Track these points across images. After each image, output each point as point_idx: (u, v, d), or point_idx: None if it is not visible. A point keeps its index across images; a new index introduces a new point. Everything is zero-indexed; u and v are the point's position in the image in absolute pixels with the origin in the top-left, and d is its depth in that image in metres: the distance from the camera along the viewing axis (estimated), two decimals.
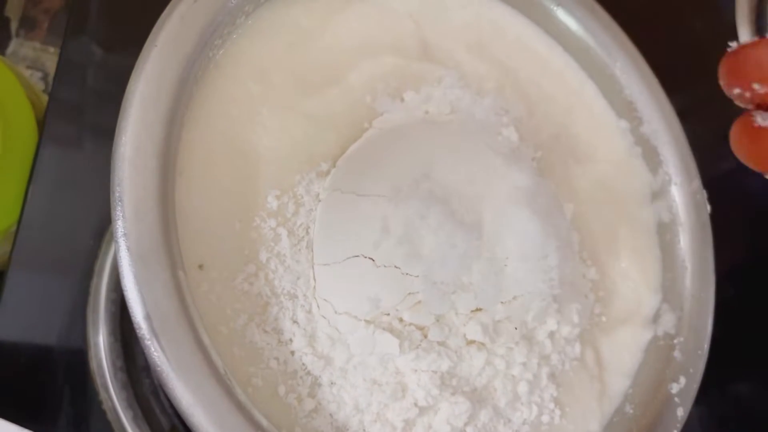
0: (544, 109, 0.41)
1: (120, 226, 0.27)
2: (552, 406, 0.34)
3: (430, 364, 0.31)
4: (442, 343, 0.32)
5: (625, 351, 0.38)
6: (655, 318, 0.39)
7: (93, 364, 0.45)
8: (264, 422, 0.28)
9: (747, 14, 0.60)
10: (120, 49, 0.50)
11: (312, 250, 0.33)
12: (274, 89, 0.35)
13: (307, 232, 0.33)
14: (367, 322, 0.31)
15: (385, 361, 0.31)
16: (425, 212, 0.32)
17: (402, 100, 0.37)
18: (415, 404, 0.31)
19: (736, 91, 0.27)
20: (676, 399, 0.36)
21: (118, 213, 0.27)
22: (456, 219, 0.32)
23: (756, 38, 0.26)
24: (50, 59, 0.67)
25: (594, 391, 0.36)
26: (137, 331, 0.27)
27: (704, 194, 0.40)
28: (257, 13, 0.36)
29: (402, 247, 0.31)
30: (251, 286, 0.31)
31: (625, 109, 0.42)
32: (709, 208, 0.40)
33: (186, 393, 0.26)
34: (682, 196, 0.40)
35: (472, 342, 0.32)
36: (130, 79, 0.30)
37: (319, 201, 0.34)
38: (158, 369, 0.27)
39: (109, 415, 0.44)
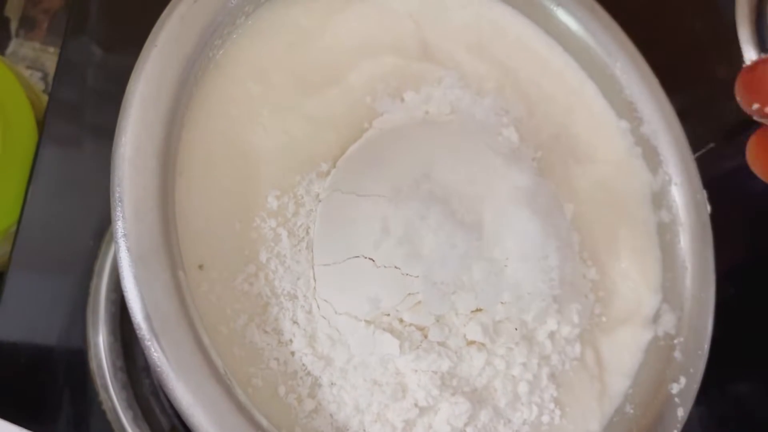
0: (544, 109, 0.41)
1: (120, 226, 0.27)
2: (552, 406, 0.34)
3: (431, 365, 0.31)
4: (442, 344, 0.32)
5: (625, 351, 0.38)
6: (656, 318, 0.39)
7: (93, 365, 0.45)
8: (264, 422, 0.28)
9: (747, 14, 0.60)
10: (120, 49, 0.50)
11: (312, 251, 0.33)
12: (274, 89, 0.35)
13: (308, 233, 0.33)
14: (368, 322, 0.31)
15: (385, 362, 0.31)
16: (425, 212, 0.32)
17: (402, 100, 0.37)
18: (416, 404, 0.31)
19: (755, 106, 0.27)
20: (677, 399, 0.36)
21: (117, 213, 0.27)
22: (456, 219, 0.32)
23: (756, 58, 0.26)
24: (50, 59, 0.67)
25: (594, 391, 0.36)
26: (137, 331, 0.27)
27: (704, 194, 0.40)
28: (257, 13, 0.36)
29: (402, 248, 0.31)
30: (251, 287, 0.31)
31: (625, 109, 0.42)
32: (709, 208, 0.40)
33: (186, 393, 0.26)
34: (683, 196, 0.40)
35: (472, 342, 0.32)
36: (130, 80, 0.30)
37: (320, 201, 0.33)
38: (158, 369, 0.27)
39: (109, 416, 0.44)
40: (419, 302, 0.31)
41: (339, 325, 0.31)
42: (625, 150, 0.42)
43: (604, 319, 0.38)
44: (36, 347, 0.44)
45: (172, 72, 0.30)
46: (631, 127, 0.42)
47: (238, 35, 0.35)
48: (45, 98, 0.54)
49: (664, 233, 0.40)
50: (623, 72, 0.42)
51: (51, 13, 0.68)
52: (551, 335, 0.34)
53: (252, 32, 0.35)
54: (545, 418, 0.34)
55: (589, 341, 0.37)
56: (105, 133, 0.44)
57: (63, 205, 0.47)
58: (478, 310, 0.32)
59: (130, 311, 0.27)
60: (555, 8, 0.42)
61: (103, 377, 0.44)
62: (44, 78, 0.67)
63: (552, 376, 0.34)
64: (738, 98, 0.27)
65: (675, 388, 0.36)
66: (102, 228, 0.47)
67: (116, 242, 0.27)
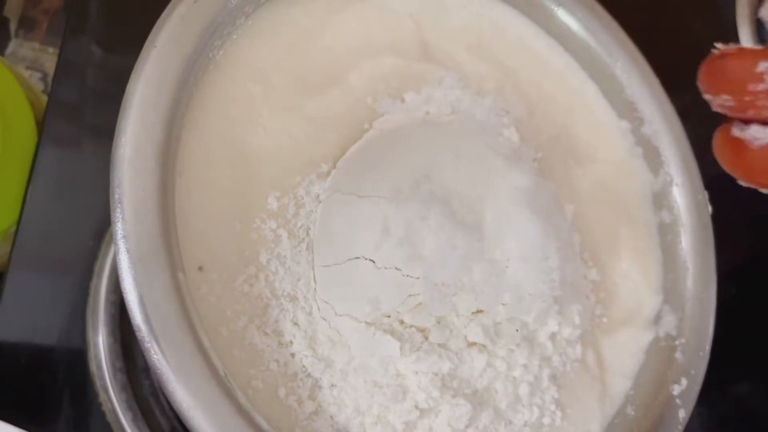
0: (545, 110, 0.41)
1: (119, 228, 0.27)
2: (553, 407, 0.34)
3: (431, 366, 0.31)
4: (442, 345, 0.32)
5: (626, 352, 0.38)
6: (657, 319, 0.39)
7: (93, 365, 0.44)
8: (264, 424, 0.28)
9: (747, 14, 0.60)
10: (120, 49, 0.50)
11: (312, 252, 0.33)
12: (274, 90, 0.35)
13: (308, 234, 0.33)
14: (368, 324, 0.31)
15: (385, 363, 0.31)
16: (426, 213, 0.31)
17: (402, 100, 0.37)
18: (416, 406, 0.31)
19: (707, 97, 0.27)
20: (678, 400, 0.36)
21: (117, 215, 0.27)
22: (457, 220, 0.32)
23: (733, 46, 0.26)
24: (49, 59, 0.67)
25: (595, 392, 0.36)
26: (137, 333, 0.27)
27: (706, 195, 0.40)
28: (257, 13, 0.36)
29: (402, 249, 0.31)
30: (251, 288, 0.31)
31: (626, 109, 0.42)
32: (710, 208, 0.40)
33: (186, 395, 0.26)
34: (684, 197, 0.40)
35: (473, 344, 0.32)
36: (130, 80, 0.30)
37: (320, 202, 0.33)
38: (158, 371, 0.26)
39: (109, 417, 0.44)
40: (420, 303, 0.31)
41: (339, 327, 0.31)
42: (626, 150, 0.42)
43: (605, 320, 0.38)
44: (36, 348, 0.44)
45: (171, 72, 0.30)
46: (632, 128, 0.42)
47: (238, 35, 0.35)
48: (44, 98, 0.53)
49: (665, 234, 0.40)
50: (624, 72, 0.42)
51: (50, 13, 0.68)
52: (552, 336, 0.34)
53: (252, 32, 0.35)
54: (546, 420, 0.34)
55: (590, 342, 0.37)
56: (104, 133, 0.44)
57: (63, 205, 0.47)
58: (479, 311, 0.32)
59: (130, 313, 0.27)
60: (555, 8, 0.42)
61: (102, 378, 0.44)
62: (44, 78, 0.66)
63: (553, 378, 0.34)
64: (700, 86, 0.27)
65: (676, 390, 0.36)
66: (102, 228, 0.47)
67: (116, 244, 0.27)
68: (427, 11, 0.40)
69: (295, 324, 0.31)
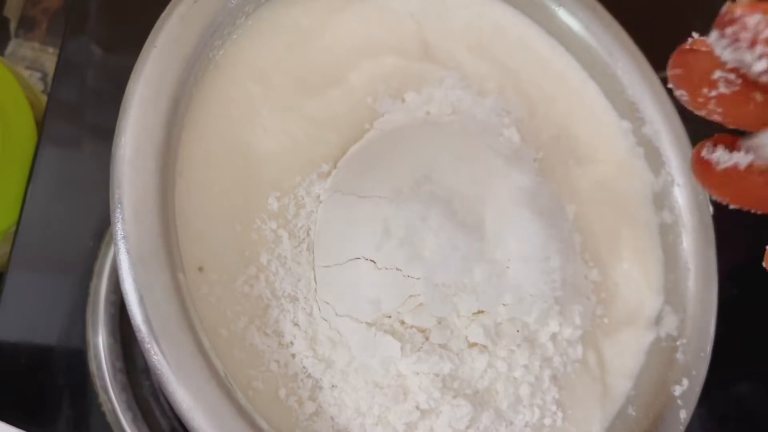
0: (546, 110, 0.41)
1: (119, 228, 0.27)
2: (554, 408, 0.34)
3: (432, 367, 0.31)
4: (443, 346, 0.32)
5: (627, 353, 0.38)
6: (658, 319, 0.38)
7: (92, 366, 0.44)
8: (264, 425, 0.28)
9: None
10: (120, 49, 0.50)
11: (313, 252, 0.33)
12: (275, 90, 0.35)
13: (308, 234, 0.33)
14: (369, 324, 0.31)
15: (386, 364, 0.31)
16: (426, 214, 0.31)
17: (403, 100, 0.37)
18: (417, 407, 0.31)
19: (681, 93, 0.27)
20: (679, 401, 0.36)
21: (117, 215, 0.27)
22: (457, 220, 0.32)
23: (701, 41, 0.25)
24: (49, 59, 0.67)
25: (596, 392, 0.36)
26: (137, 334, 0.27)
27: (707, 195, 0.40)
28: (257, 13, 0.36)
29: (403, 249, 0.31)
30: (252, 289, 0.31)
31: (627, 109, 0.42)
32: (711, 209, 0.40)
33: (186, 396, 0.26)
34: (685, 197, 0.40)
35: (473, 344, 0.32)
36: (130, 80, 0.30)
37: (320, 202, 0.33)
38: (158, 372, 0.26)
39: (109, 417, 0.44)
40: (421, 304, 0.31)
41: (340, 327, 0.31)
42: (627, 150, 0.42)
43: (605, 320, 0.38)
44: (36, 348, 0.44)
45: (171, 73, 0.30)
46: (633, 128, 0.42)
47: (238, 35, 0.35)
48: (44, 99, 0.53)
49: (666, 234, 0.40)
50: (625, 72, 0.42)
51: (50, 13, 0.68)
52: (553, 337, 0.34)
53: (252, 32, 0.35)
54: (547, 421, 0.34)
55: (590, 343, 0.37)
56: (104, 133, 0.44)
57: (62, 205, 0.47)
58: (480, 311, 0.32)
59: (130, 314, 0.27)
60: (556, 8, 0.42)
61: (102, 378, 0.44)
62: (43, 78, 0.66)
63: (554, 378, 0.34)
64: (669, 76, 0.27)
65: (677, 390, 0.36)
66: (102, 228, 0.47)
67: (116, 244, 0.27)
68: (428, 11, 0.40)
69: (296, 324, 0.31)
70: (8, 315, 0.44)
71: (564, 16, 0.42)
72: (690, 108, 0.27)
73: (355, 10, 0.38)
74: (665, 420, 0.36)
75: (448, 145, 0.35)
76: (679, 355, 0.37)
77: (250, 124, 0.34)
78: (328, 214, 0.33)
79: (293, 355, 0.31)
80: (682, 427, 0.36)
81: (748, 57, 0.23)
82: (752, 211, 0.28)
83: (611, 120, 0.42)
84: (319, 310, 0.32)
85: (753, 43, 0.23)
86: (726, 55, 0.24)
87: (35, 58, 0.67)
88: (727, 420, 0.54)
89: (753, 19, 0.23)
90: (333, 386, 0.31)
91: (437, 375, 0.31)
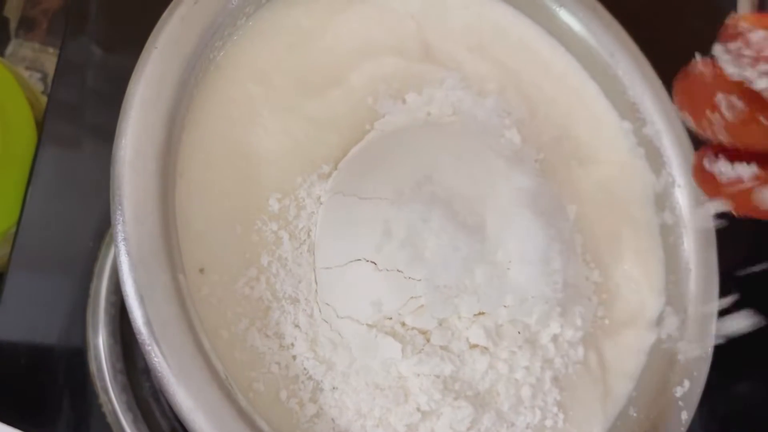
0: (546, 111, 0.41)
1: (120, 230, 0.27)
2: (555, 409, 0.34)
3: (433, 369, 0.31)
4: (444, 347, 0.32)
5: (628, 354, 0.38)
6: (659, 320, 0.38)
7: (93, 367, 0.44)
8: (265, 427, 0.28)
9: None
10: (120, 49, 0.50)
11: (314, 254, 0.32)
12: (275, 91, 0.35)
13: (309, 236, 0.33)
14: (370, 326, 0.31)
15: (387, 366, 0.31)
16: (427, 215, 0.31)
17: (404, 101, 0.37)
18: (418, 409, 0.31)
19: (685, 116, 0.27)
20: (680, 402, 0.36)
21: (117, 217, 0.27)
22: (458, 222, 0.32)
23: (703, 63, 0.25)
24: (49, 60, 0.66)
25: (597, 393, 0.36)
26: (137, 336, 0.27)
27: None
28: (258, 14, 0.36)
29: (404, 251, 0.31)
30: (252, 290, 0.31)
31: (628, 110, 0.42)
32: (712, 209, 0.40)
33: (187, 398, 0.26)
34: (686, 198, 0.40)
35: (475, 346, 0.32)
36: (130, 81, 0.30)
37: (321, 204, 0.33)
38: (159, 374, 0.26)
39: (109, 418, 0.44)
40: (422, 306, 0.31)
41: (341, 329, 0.31)
42: (628, 151, 0.42)
43: (607, 321, 0.38)
44: (36, 349, 0.44)
45: (172, 74, 0.30)
46: (634, 128, 0.42)
47: (238, 36, 0.35)
48: (44, 99, 0.53)
49: (668, 235, 0.40)
50: (626, 72, 0.41)
51: (50, 13, 0.68)
52: (554, 338, 0.34)
53: (253, 33, 0.35)
54: (548, 422, 0.34)
55: (592, 344, 0.36)
56: (105, 134, 0.43)
57: (62, 206, 0.46)
58: (481, 313, 0.32)
59: (131, 316, 0.27)
60: (557, 9, 0.42)
61: (102, 379, 0.44)
62: (43, 79, 0.66)
63: (555, 380, 0.34)
64: (673, 100, 0.27)
65: (679, 391, 0.36)
66: (102, 229, 0.47)
67: (116, 246, 0.27)
68: (429, 12, 0.40)
69: (297, 326, 0.31)
70: (8, 315, 0.44)
71: (565, 16, 0.42)
72: (695, 131, 0.27)
73: (356, 10, 0.38)
74: (666, 421, 0.36)
75: (448, 146, 0.35)
76: (680, 356, 0.37)
77: (250, 125, 0.34)
78: (328, 216, 0.33)
79: (294, 357, 0.31)
80: (683, 429, 0.36)
81: (750, 73, 0.23)
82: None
83: (612, 120, 0.42)
84: (320, 311, 0.32)
85: (756, 61, 0.22)
86: (729, 69, 0.23)
87: (35, 59, 0.67)
88: (728, 420, 0.54)
89: (756, 36, 0.22)
90: (334, 388, 0.31)
91: (438, 376, 0.31)
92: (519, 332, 0.32)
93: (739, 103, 0.24)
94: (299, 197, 0.33)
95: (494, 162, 0.35)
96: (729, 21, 0.23)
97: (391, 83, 0.37)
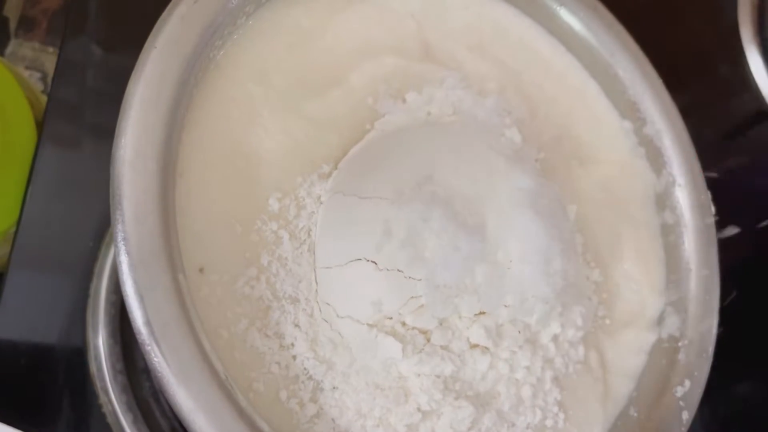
0: (547, 110, 0.41)
1: (120, 230, 0.27)
2: (556, 409, 0.34)
3: (433, 368, 0.31)
4: (445, 347, 0.32)
5: (628, 353, 0.38)
6: (660, 320, 0.38)
7: (93, 367, 0.44)
8: (265, 428, 0.28)
9: (749, 14, 0.60)
10: (120, 49, 0.50)
11: (314, 253, 0.32)
12: (275, 90, 0.35)
13: (309, 235, 0.33)
14: (370, 326, 0.31)
15: (387, 366, 0.31)
16: (428, 215, 0.31)
17: (404, 101, 0.37)
18: (418, 409, 0.31)
19: None
20: (681, 402, 0.36)
21: (117, 217, 0.27)
22: (459, 221, 0.32)
23: None
24: (49, 59, 0.66)
25: (598, 393, 0.36)
26: (137, 336, 0.26)
27: (709, 195, 0.40)
28: (258, 13, 0.36)
29: (405, 250, 0.31)
30: (252, 290, 0.31)
31: (628, 109, 0.42)
32: (713, 209, 0.40)
33: (187, 399, 0.26)
34: (686, 198, 0.40)
35: (475, 346, 0.32)
36: (130, 81, 0.30)
37: (321, 203, 0.33)
38: (159, 374, 0.26)
39: (109, 418, 0.44)
40: (422, 305, 0.31)
41: (341, 329, 0.31)
42: (629, 151, 0.42)
43: (607, 321, 0.37)
44: (36, 349, 0.44)
45: (172, 73, 0.30)
46: (635, 128, 0.42)
47: (238, 36, 0.35)
48: (44, 99, 0.53)
49: (668, 235, 0.40)
50: (626, 72, 0.41)
51: (50, 13, 0.68)
52: (555, 338, 0.34)
53: (253, 33, 0.35)
54: (549, 422, 0.34)
55: (592, 344, 0.36)
56: (105, 133, 0.43)
57: (62, 205, 0.46)
58: (482, 313, 0.32)
59: (130, 316, 0.27)
60: (557, 8, 0.42)
61: (102, 379, 0.44)
62: (43, 78, 0.66)
63: (556, 380, 0.34)
64: None
65: (679, 392, 0.36)
66: (102, 229, 0.47)
67: (116, 245, 0.27)
68: (429, 11, 0.40)
69: (297, 326, 0.31)
70: (8, 315, 0.44)
71: (565, 15, 0.42)
72: None
73: (356, 10, 0.38)
74: (667, 421, 0.36)
75: (449, 146, 0.35)
76: (681, 356, 0.37)
77: (250, 125, 0.34)
78: (329, 215, 0.33)
79: (294, 357, 0.31)
80: (684, 429, 0.36)
81: None
82: None
83: (613, 120, 0.42)
84: (320, 311, 0.32)
85: None
86: None
87: (35, 58, 0.67)
88: (728, 420, 0.54)
89: None
90: (334, 388, 0.31)
91: (439, 376, 0.31)
92: (519, 332, 0.32)
93: None
94: (299, 197, 0.33)
95: (494, 162, 0.35)
96: None
97: (391, 83, 0.37)
